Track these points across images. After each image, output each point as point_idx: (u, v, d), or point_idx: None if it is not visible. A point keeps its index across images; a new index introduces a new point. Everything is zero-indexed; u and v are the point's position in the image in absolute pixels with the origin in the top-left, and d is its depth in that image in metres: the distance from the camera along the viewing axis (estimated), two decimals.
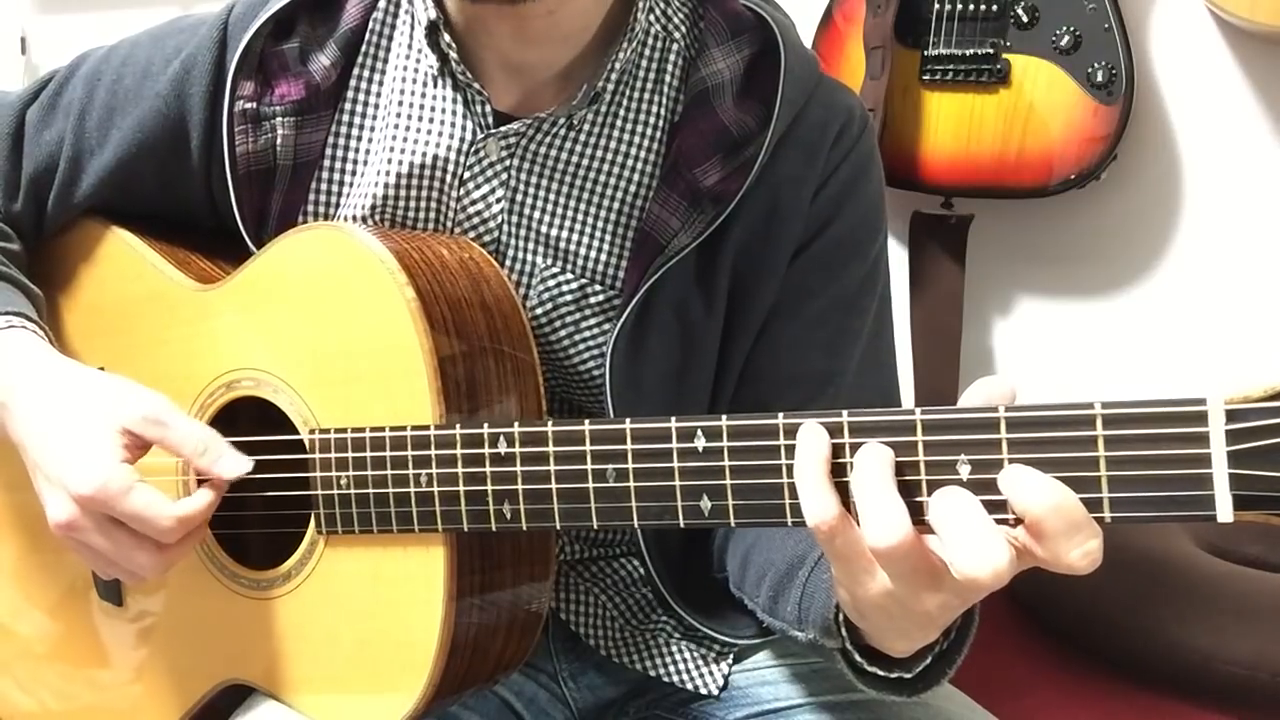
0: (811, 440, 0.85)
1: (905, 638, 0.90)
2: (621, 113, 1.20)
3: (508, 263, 1.21)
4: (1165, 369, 2.07)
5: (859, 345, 1.23)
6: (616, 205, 1.20)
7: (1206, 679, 1.70)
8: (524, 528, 1.00)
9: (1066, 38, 1.91)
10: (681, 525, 0.92)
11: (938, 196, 2.08)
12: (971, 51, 1.97)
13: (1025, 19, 1.93)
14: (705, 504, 0.91)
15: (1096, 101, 1.91)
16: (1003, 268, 2.16)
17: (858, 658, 0.95)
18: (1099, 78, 1.90)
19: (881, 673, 0.95)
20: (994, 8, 1.95)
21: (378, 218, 1.21)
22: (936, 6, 1.98)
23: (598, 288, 1.20)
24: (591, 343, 1.21)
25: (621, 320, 1.16)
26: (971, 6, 1.96)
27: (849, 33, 2.07)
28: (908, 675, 0.94)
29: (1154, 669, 1.74)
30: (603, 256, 1.20)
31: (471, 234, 1.21)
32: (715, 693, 1.25)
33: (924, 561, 0.81)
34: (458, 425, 1.03)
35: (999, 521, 0.79)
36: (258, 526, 1.17)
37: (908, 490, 0.82)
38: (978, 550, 0.77)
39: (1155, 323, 2.08)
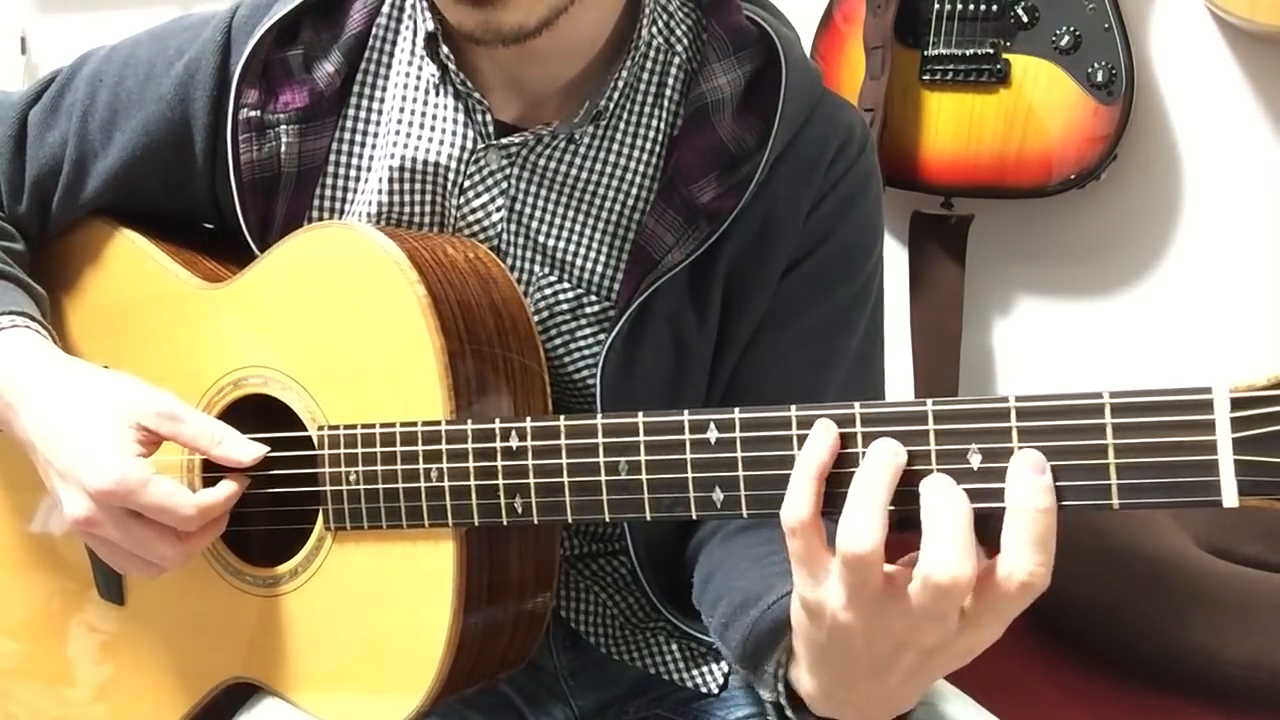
0: (817, 437, 0.85)
1: (859, 693, 0.89)
2: (622, 125, 1.20)
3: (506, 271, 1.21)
4: (1166, 369, 2.07)
5: (845, 363, 1.23)
6: (614, 218, 1.20)
7: (1206, 679, 1.70)
8: (535, 521, 1.00)
9: (1066, 38, 1.91)
10: (694, 517, 0.93)
11: (938, 196, 2.09)
12: (971, 51, 1.97)
13: (1025, 19, 1.94)
14: (718, 495, 0.91)
15: (1096, 101, 1.91)
16: (1003, 268, 2.16)
17: (789, 713, 0.96)
18: (1099, 78, 1.90)
19: None
20: (994, 8, 1.95)
21: (380, 223, 1.21)
22: (936, 6, 1.99)
23: (594, 298, 1.20)
24: (586, 352, 1.21)
25: (614, 333, 1.17)
26: (971, 6, 1.96)
27: (849, 33, 2.07)
28: None
29: (1154, 669, 1.74)
30: (599, 268, 1.20)
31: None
32: (715, 691, 1.25)
33: (883, 582, 0.82)
34: (468, 420, 1.03)
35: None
36: (263, 524, 1.17)
37: (919, 478, 0.83)
38: (950, 556, 0.78)
39: (1155, 322, 2.08)
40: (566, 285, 1.21)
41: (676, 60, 1.21)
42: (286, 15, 1.21)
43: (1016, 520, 0.79)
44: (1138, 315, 2.09)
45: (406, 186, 1.21)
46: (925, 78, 2.01)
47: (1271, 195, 1.99)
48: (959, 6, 1.97)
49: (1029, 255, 2.14)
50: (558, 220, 1.20)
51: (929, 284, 2.14)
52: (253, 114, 1.21)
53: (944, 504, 0.81)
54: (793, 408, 0.88)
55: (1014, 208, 2.07)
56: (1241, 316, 2.03)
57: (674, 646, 1.27)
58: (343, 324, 1.11)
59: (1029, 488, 0.80)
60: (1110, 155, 1.93)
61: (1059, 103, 1.94)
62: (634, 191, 1.20)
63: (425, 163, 1.20)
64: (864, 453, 0.84)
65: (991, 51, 1.96)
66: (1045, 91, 1.94)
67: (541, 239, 1.20)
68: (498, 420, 1.01)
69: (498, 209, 1.20)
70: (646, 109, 1.20)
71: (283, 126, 1.21)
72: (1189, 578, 1.76)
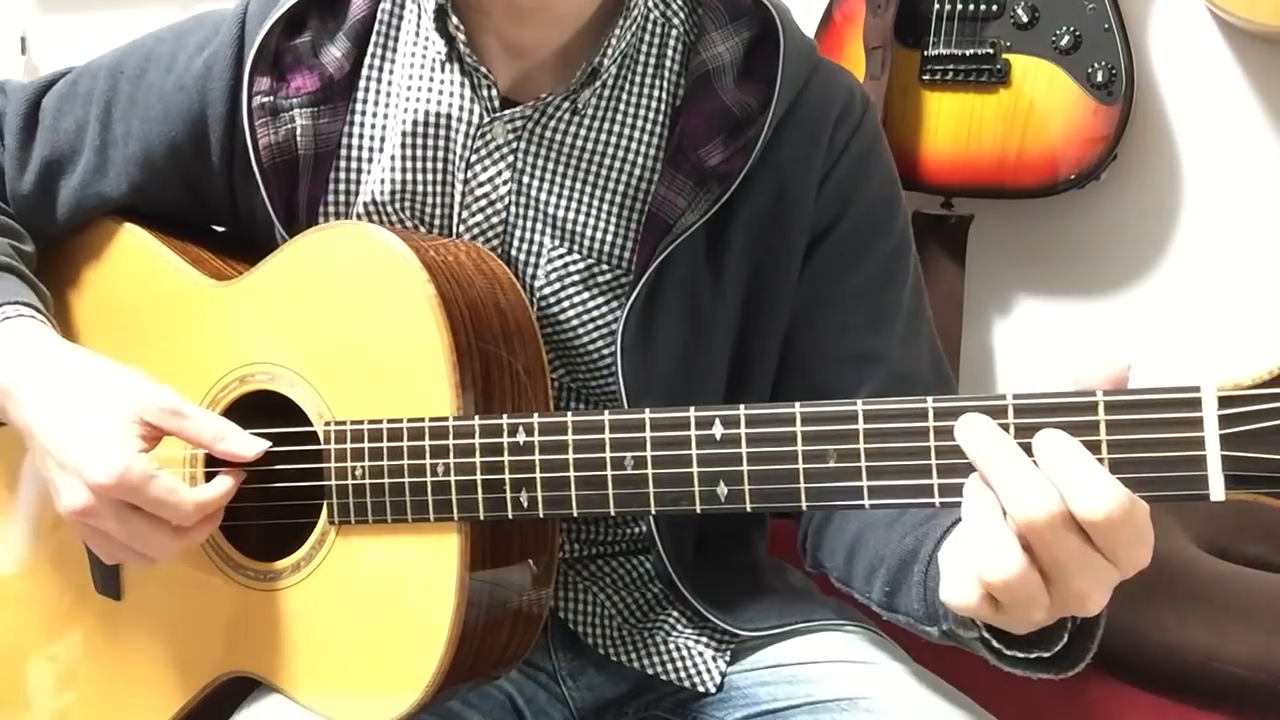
0: (983, 491, 0.85)
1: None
2: (625, 96, 1.22)
3: (516, 243, 1.23)
4: (1165, 369, 2.07)
5: (901, 318, 1.26)
6: (622, 188, 1.22)
7: (1206, 679, 1.69)
8: (541, 515, 1.01)
9: (1066, 38, 1.91)
10: (698, 511, 0.94)
11: (938, 196, 2.08)
12: (971, 51, 1.97)
13: (1025, 19, 1.93)
14: (722, 490, 0.93)
15: (1096, 101, 1.91)
16: (1003, 268, 2.15)
17: (996, 643, 0.96)
18: (1099, 78, 1.90)
19: (1021, 654, 0.95)
20: (994, 8, 1.95)
21: (396, 202, 1.23)
22: (936, 6, 1.98)
23: (605, 268, 1.22)
24: (599, 322, 1.23)
25: (631, 300, 1.19)
26: (971, 6, 1.96)
27: (849, 32, 2.07)
28: (1047, 654, 0.94)
29: (1154, 669, 1.73)
30: (609, 237, 1.22)
31: (480, 215, 1.23)
32: (713, 690, 1.26)
33: (1041, 579, 0.84)
34: (475, 417, 1.04)
35: None
36: (265, 519, 1.18)
37: (919, 472, 0.87)
38: (1102, 489, 0.80)
39: (1155, 323, 2.08)
40: (576, 256, 1.22)
41: (674, 32, 1.23)
42: (294, 7, 1.24)
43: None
44: (1137, 315, 2.09)
45: (417, 165, 1.23)
46: (925, 78, 2.01)
47: (1271, 195, 1.99)
48: (959, 6, 1.97)
49: (1029, 255, 2.14)
50: (565, 191, 1.22)
51: (929, 284, 2.10)
52: (266, 99, 1.24)
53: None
54: (796, 404, 0.91)
55: (1014, 208, 2.06)
56: (1241, 317, 2.03)
57: (673, 646, 1.27)
58: (351, 321, 1.12)
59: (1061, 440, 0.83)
60: (1110, 155, 1.92)
61: (1059, 103, 1.94)
62: (640, 161, 1.22)
63: (435, 123, 1.22)
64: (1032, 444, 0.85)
65: (991, 51, 1.96)
66: (1045, 91, 1.94)
67: (550, 210, 1.22)
68: (505, 416, 1.02)
69: (504, 182, 1.22)
70: (648, 79, 1.23)
71: (296, 110, 1.24)
72: (1189, 578, 1.75)
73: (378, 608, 1.10)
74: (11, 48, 2.63)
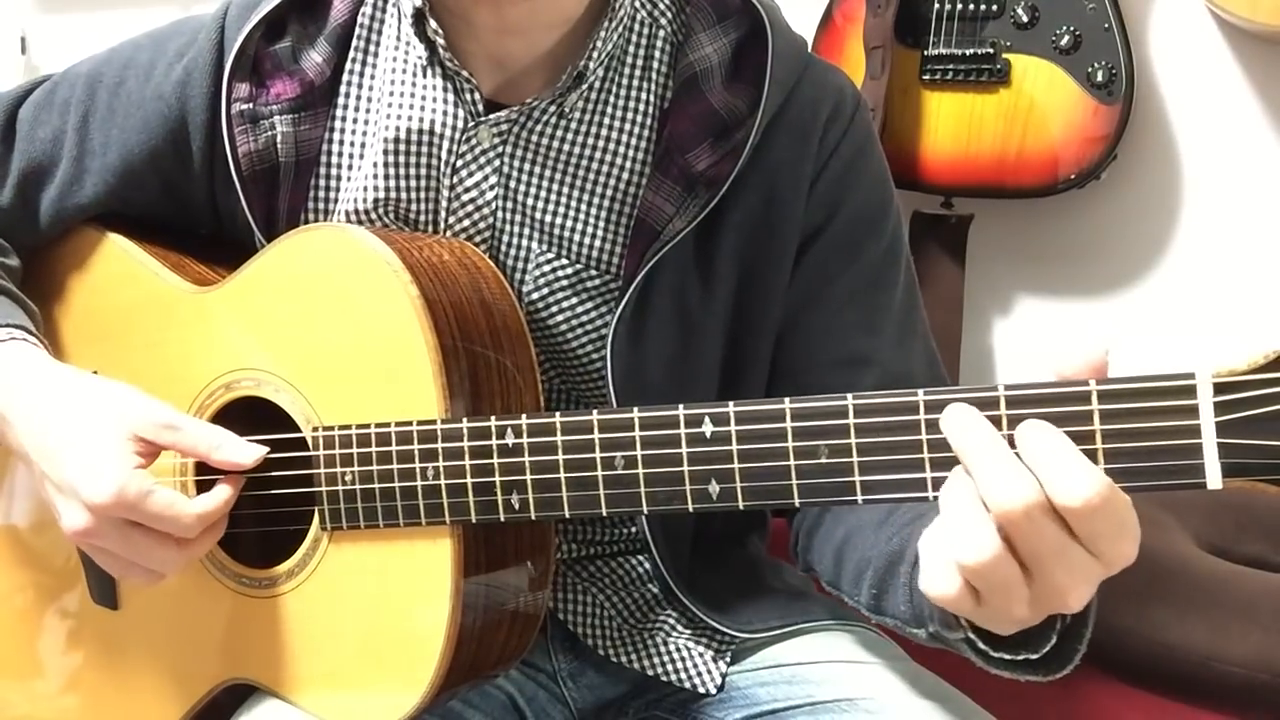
0: (962, 479, 0.84)
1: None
2: (612, 99, 1.21)
3: (503, 248, 1.22)
4: (1165, 369, 2.06)
5: (893, 319, 1.25)
6: (610, 192, 1.21)
7: (1206, 679, 1.69)
8: (533, 517, 1.01)
9: (1066, 38, 1.91)
10: (690, 510, 0.94)
11: (938, 196, 2.08)
12: (971, 51, 1.97)
13: (1025, 19, 1.93)
14: (714, 488, 0.92)
15: (1096, 101, 1.91)
16: (1003, 268, 2.15)
17: (982, 645, 0.94)
18: (1099, 78, 1.90)
19: (1008, 655, 0.94)
20: (994, 7, 1.95)
21: (380, 209, 1.22)
22: (936, 6, 1.98)
23: (594, 273, 1.21)
24: (589, 327, 1.22)
25: (620, 307, 1.18)
26: (971, 6, 1.96)
27: (849, 32, 2.06)
28: (1034, 656, 0.93)
29: (1154, 669, 1.73)
30: (598, 243, 1.21)
31: (466, 220, 1.22)
32: (713, 691, 1.25)
33: (1020, 568, 0.82)
34: (464, 419, 1.03)
35: None
36: (258, 526, 1.17)
37: (912, 466, 0.86)
38: (1081, 477, 0.79)
39: (1155, 323, 2.07)
40: (565, 261, 1.21)
41: (661, 34, 1.22)
42: (272, 11, 1.23)
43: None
44: (1137, 315, 2.09)
45: (401, 170, 1.22)
46: (925, 78, 2.01)
47: (1271, 195, 1.99)
48: (959, 6, 1.97)
49: (1029, 255, 2.14)
50: (553, 196, 1.21)
51: (929, 284, 2.13)
52: (245, 106, 1.22)
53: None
54: (786, 400, 0.90)
55: (1014, 208, 2.06)
56: (1241, 317, 2.03)
57: (673, 646, 1.27)
58: (335, 325, 1.12)
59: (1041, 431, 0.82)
60: (1110, 155, 1.92)
61: (1059, 103, 1.93)
62: (628, 165, 1.21)
63: (420, 133, 1.21)
64: (1012, 435, 0.84)
65: (991, 51, 1.96)
66: (1045, 91, 1.94)
67: (538, 215, 1.21)
68: (493, 418, 1.02)
69: (491, 187, 1.21)
70: (635, 82, 1.21)
71: (276, 117, 1.22)
72: (1189, 578, 1.75)
73: (373, 613, 1.10)
74: (11, 48, 2.64)
